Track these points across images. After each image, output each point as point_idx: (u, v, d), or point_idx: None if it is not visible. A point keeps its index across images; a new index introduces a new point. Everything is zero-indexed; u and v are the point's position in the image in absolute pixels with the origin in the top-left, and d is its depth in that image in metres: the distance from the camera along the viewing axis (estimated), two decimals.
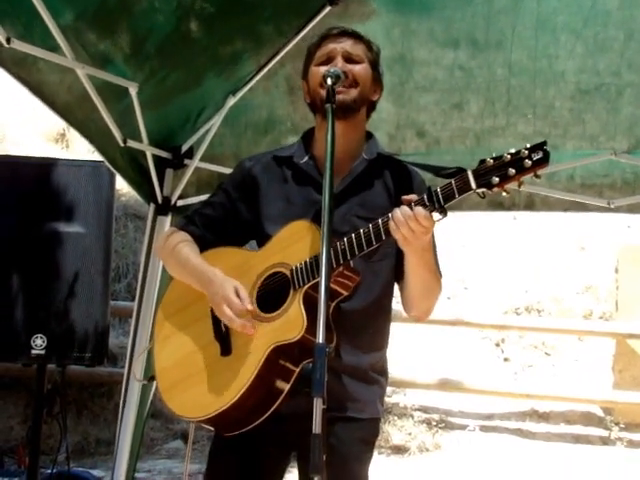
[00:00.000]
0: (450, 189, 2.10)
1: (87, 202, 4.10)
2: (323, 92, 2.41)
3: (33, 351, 3.89)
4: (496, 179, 2.03)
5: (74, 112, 3.77)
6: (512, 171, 2.01)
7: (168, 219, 4.33)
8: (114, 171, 4.10)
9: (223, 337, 2.42)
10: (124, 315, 7.28)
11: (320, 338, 1.94)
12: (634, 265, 7.63)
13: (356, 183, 2.51)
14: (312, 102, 2.54)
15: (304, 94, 2.60)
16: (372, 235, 2.22)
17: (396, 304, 2.64)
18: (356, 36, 2.56)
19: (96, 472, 5.41)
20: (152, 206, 4.36)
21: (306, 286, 2.29)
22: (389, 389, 7.23)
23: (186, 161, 4.33)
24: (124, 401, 4.30)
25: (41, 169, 4.16)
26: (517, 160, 2.01)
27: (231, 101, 4.09)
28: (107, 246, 4.13)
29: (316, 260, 2.25)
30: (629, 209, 4.20)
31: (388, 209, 2.26)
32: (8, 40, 3.04)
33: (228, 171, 3.86)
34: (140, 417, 4.32)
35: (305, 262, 2.30)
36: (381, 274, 2.49)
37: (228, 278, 2.41)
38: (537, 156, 1.99)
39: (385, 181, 2.54)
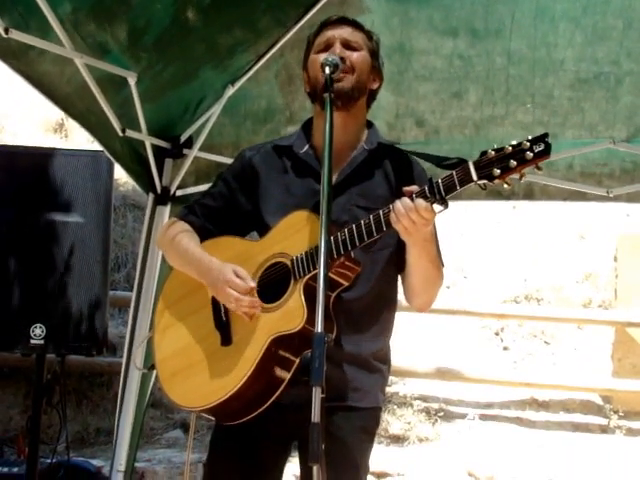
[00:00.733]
0: (451, 180, 2.10)
1: (86, 192, 4.09)
2: (321, 78, 2.41)
3: (32, 341, 3.89)
4: (497, 171, 2.03)
5: (73, 103, 3.77)
6: (513, 163, 2.01)
7: (167, 209, 4.33)
8: (113, 161, 4.10)
9: (223, 327, 2.43)
10: (123, 305, 7.29)
11: (319, 327, 1.94)
12: (633, 254, 7.64)
13: (356, 173, 2.51)
14: (312, 90, 2.53)
15: (304, 84, 2.60)
16: (373, 226, 2.22)
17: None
18: (355, 24, 2.57)
19: (96, 462, 5.40)
20: (151, 196, 4.36)
21: (306, 277, 2.30)
22: (388, 378, 7.25)
23: (185, 151, 4.32)
24: (123, 390, 4.31)
25: (40, 159, 4.15)
26: (518, 152, 2.01)
27: (230, 91, 4.09)
28: (106, 236, 4.13)
29: (316, 251, 2.25)
30: (628, 198, 4.20)
31: (388, 199, 2.27)
32: (6, 30, 3.04)
33: (227, 161, 3.86)
34: (140, 407, 4.33)
35: (305, 252, 2.31)
36: (381, 263, 2.50)
37: (226, 263, 2.42)
38: (538, 148, 2.00)
39: (385, 171, 2.54)
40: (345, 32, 2.52)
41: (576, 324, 8.03)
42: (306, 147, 2.56)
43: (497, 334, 8.24)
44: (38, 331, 3.89)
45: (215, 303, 2.47)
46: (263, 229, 2.52)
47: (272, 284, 2.38)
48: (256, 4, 3.77)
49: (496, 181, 2.04)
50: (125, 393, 4.29)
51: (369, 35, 2.59)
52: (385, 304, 2.57)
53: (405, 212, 2.14)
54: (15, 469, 4.61)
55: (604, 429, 7.19)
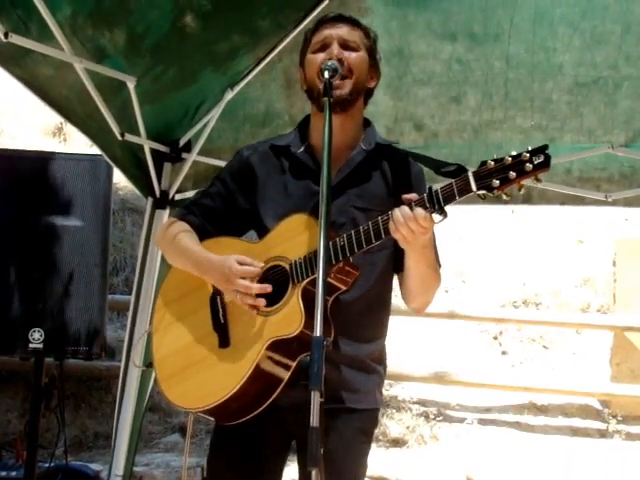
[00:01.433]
0: (450, 190, 2.09)
1: (84, 195, 4.09)
2: (319, 83, 2.41)
3: (30, 345, 3.88)
4: (497, 182, 2.02)
5: (72, 107, 3.77)
6: (513, 174, 2.00)
7: (166, 213, 4.33)
8: (112, 165, 4.10)
9: (221, 328, 2.43)
10: (122, 309, 7.28)
11: (317, 331, 1.94)
12: (632, 258, 7.64)
13: (354, 174, 2.51)
14: (308, 91, 2.53)
15: (301, 82, 2.59)
16: (372, 234, 2.22)
17: (394, 298, 2.65)
18: (353, 22, 2.55)
19: (94, 466, 5.39)
20: (150, 200, 4.36)
21: (305, 281, 2.30)
22: (387, 382, 7.25)
23: (184, 155, 4.32)
24: (122, 392, 4.30)
25: (38, 163, 4.15)
26: (518, 163, 2.00)
27: (229, 95, 4.09)
28: (104, 239, 4.12)
29: (315, 255, 2.25)
30: (626, 202, 4.20)
31: (386, 199, 2.27)
32: (6, 35, 3.04)
33: None
34: (138, 410, 4.32)
35: (304, 257, 2.31)
36: (379, 265, 2.50)
37: (226, 257, 2.41)
38: (538, 160, 1.99)
39: (383, 171, 2.54)
40: (342, 31, 2.50)
41: (575, 329, 8.04)
42: (303, 147, 2.56)
43: (496, 338, 8.25)
44: (37, 335, 3.88)
45: (213, 304, 2.47)
46: (261, 229, 2.53)
47: (271, 287, 2.38)
48: (256, 9, 3.77)
49: (495, 192, 2.04)
50: (124, 395, 4.28)
51: (366, 32, 2.56)
52: (381, 305, 2.58)
53: (404, 221, 2.13)
54: (13, 473, 4.60)
55: (603, 434, 7.19)
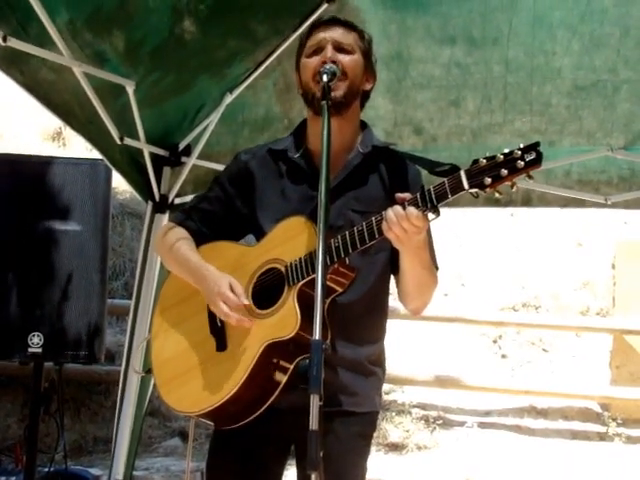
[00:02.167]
0: (443, 189, 2.10)
1: (84, 200, 4.09)
2: (315, 87, 2.41)
3: (30, 349, 3.88)
4: (488, 180, 2.03)
5: (72, 112, 3.78)
6: (504, 172, 2.01)
7: (165, 217, 4.33)
8: (112, 169, 4.10)
9: (218, 333, 2.43)
10: (121, 313, 7.28)
11: (317, 334, 1.94)
12: (631, 261, 7.65)
13: (351, 177, 2.51)
14: (304, 95, 2.53)
15: (297, 86, 2.59)
16: (366, 234, 2.22)
17: (393, 301, 2.65)
18: (347, 25, 2.54)
19: (94, 470, 5.40)
20: (149, 204, 4.36)
21: (300, 283, 2.30)
22: (387, 386, 7.25)
23: (183, 159, 4.33)
24: (122, 397, 4.30)
25: (38, 167, 4.15)
26: (510, 161, 2.01)
27: (228, 99, 4.09)
28: (104, 244, 4.12)
29: (311, 257, 2.26)
30: (625, 205, 4.21)
31: (383, 202, 2.27)
32: (4, 38, 3.04)
33: None
34: (138, 414, 4.32)
35: (300, 259, 2.31)
36: (376, 267, 2.50)
37: (222, 274, 2.42)
38: (530, 157, 1.99)
39: (380, 173, 2.54)
40: (336, 34, 2.48)
41: (574, 332, 8.03)
42: (300, 151, 2.56)
43: (495, 342, 8.25)
44: (36, 339, 3.88)
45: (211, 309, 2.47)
46: (259, 233, 2.52)
47: (267, 290, 2.38)
48: (253, 14, 3.78)
49: (487, 190, 2.04)
50: (124, 400, 4.28)
51: (361, 35, 2.55)
52: (379, 307, 2.58)
53: (397, 220, 2.13)
54: (13, 478, 4.61)
55: (602, 437, 7.19)
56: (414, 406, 7.41)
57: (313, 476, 1.86)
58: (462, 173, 2.07)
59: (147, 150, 4.13)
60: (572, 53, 3.76)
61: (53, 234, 4.01)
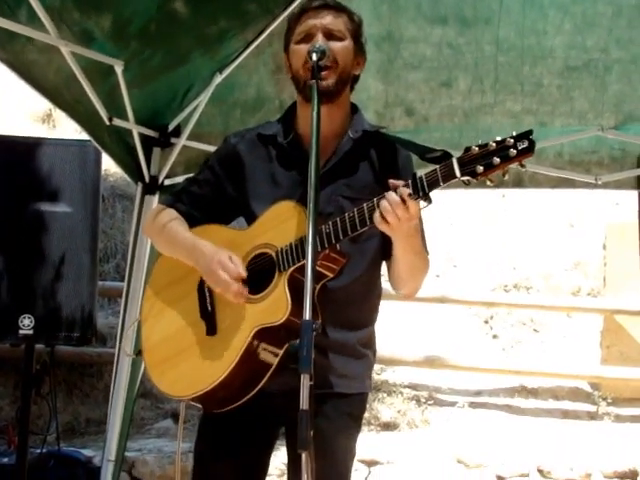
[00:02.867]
0: (435, 177, 2.09)
1: (73, 181, 4.08)
2: (304, 73, 2.40)
3: (21, 331, 3.88)
4: (480, 168, 2.03)
5: (60, 92, 3.75)
6: (497, 160, 2.01)
7: (156, 198, 4.31)
8: (101, 150, 4.08)
9: (208, 316, 2.43)
10: (113, 295, 7.28)
11: (307, 315, 1.94)
12: (622, 242, 7.65)
13: (342, 163, 2.50)
14: (294, 81, 2.51)
15: (286, 67, 2.58)
16: (357, 220, 2.22)
17: (384, 282, 2.65)
18: (337, 8, 2.50)
19: (86, 451, 5.40)
20: (140, 185, 4.34)
21: (291, 269, 2.29)
22: (378, 367, 7.28)
23: (173, 140, 4.30)
24: (115, 379, 4.30)
25: (27, 148, 4.13)
26: (502, 149, 2.00)
27: (218, 79, 4.06)
28: (94, 225, 4.12)
29: (301, 243, 2.25)
30: (616, 185, 4.22)
31: (374, 188, 2.27)
32: None
33: None
34: (130, 396, 4.32)
35: (290, 244, 2.30)
36: (367, 254, 2.50)
37: (220, 248, 2.41)
38: (522, 145, 1.98)
39: (371, 159, 2.53)
40: (326, 20, 2.45)
41: (565, 312, 8.06)
42: (290, 136, 2.55)
43: (486, 322, 8.27)
44: (27, 321, 3.88)
45: (201, 292, 2.47)
46: (250, 217, 2.52)
47: (257, 275, 2.37)
48: None
49: (479, 178, 2.04)
50: (116, 381, 4.28)
51: (351, 16, 2.52)
52: (370, 292, 2.58)
53: (391, 208, 2.13)
54: (5, 459, 4.62)
55: (593, 416, 7.23)
56: (405, 386, 7.43)
57: (303, 456, 1.87)
58: (454, 161, 2.06)
59: (136, 131, 4.11)
60: (563, 33, 3.75)
61: (43, 216, 4.00)
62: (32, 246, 3.98)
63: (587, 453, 6.30)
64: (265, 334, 2.30)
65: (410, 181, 2.13)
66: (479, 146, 2.03)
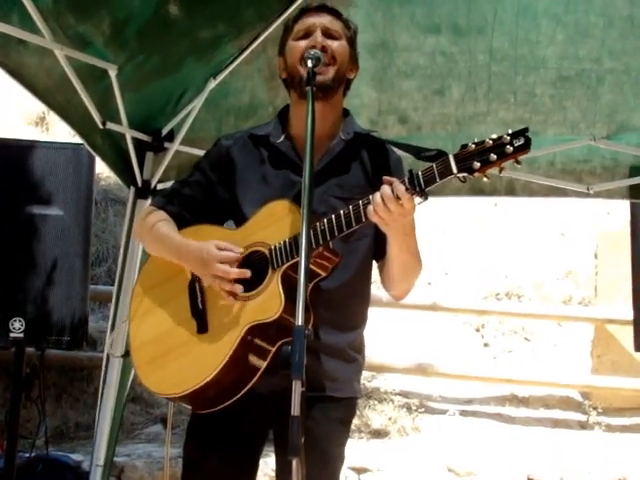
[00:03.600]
0: (431, 173, 2.11)
1: (66, 185, 4.07)
2: (301, 69, 2.43)
3: (11, 334, 3.87)
4: (477, 164, 2.05)
5: (54, 95, 3.74)
6: (493, 156, 2.03)
7: (148, 203, 4.31)
8: (94, 154, 4.08)
9: (199, 314, 2.44)
10: (104, 299, 7.25)
11: (299, 320, 1.95)
12: (613, 251, 7.67)
13: (334, 164, 2.52)
14: (289, 78, 2.54)
15: (280, 70, 2.60)
16: (352, 217, 2.23)
17: (377, 289, 2.65)
18: (335, 13, 2.57)
19: (75, 456, 5.38)
20: (132, 189, 4.33)
21: (285, 266, 2.31)
22: (369, 374, 7.28)
23: (166, 144, 4.29)
24: (104, 382, 4.29)
25: (20, 151, 4.13)
26: (498, 146, 2.03)
27: (212, 84, 4.07)
28: (86, 229, 4.11)
29: (295, 240, 2.26)
30: (608, 195, 4.23)
31: (365, 188, 2.29)
32: None
33: None
34: (119, 400, 4.31)
35: (284, 242, 2.31)
36: (359, 253, 2.51)
37: (206, 241, 2.42)
38: (518, 142, 2.02)
39: (362, 160, 2.56)
40: (325, 20, 2.52)
41: (556, 321, 8.08)
42: (282, 137, 2.57)
43: (478, 330, 8.28)
44: (17, 324, 3.87)
45: (192, 290, 2.47)
46: (240, 219, 2.53)
47: (250, 273, 2.38)
48: None
49: (476, 174, 2.06)
50: (105, 385, 4.26)
51: (347, 24, 2.59)
52: (362, 293, 2.59)
53: (382, 202, 2.14)
54: None
55: (583, 425, 7.25)
56: (396, 394, 7.43)
57: (294, 462, 1.87)
58: (451, 157, 2.09)
59: (129, 135, 4.10)
60: (556, 43, 3.77)
61: (35, 219, 4.00)
62: (24, 249, 3.97)
63: (577, 462, 6.31)
64: (257, 331, 2.30)
65: (407, 177, 2.15)
66: (476, 143, 2.07)
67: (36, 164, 4.08)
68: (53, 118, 8.55)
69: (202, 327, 2.42)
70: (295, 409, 1.86)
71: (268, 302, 2.29)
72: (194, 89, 4.13)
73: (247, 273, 2.34)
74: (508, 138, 2.02)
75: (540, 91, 3.96)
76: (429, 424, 7.16)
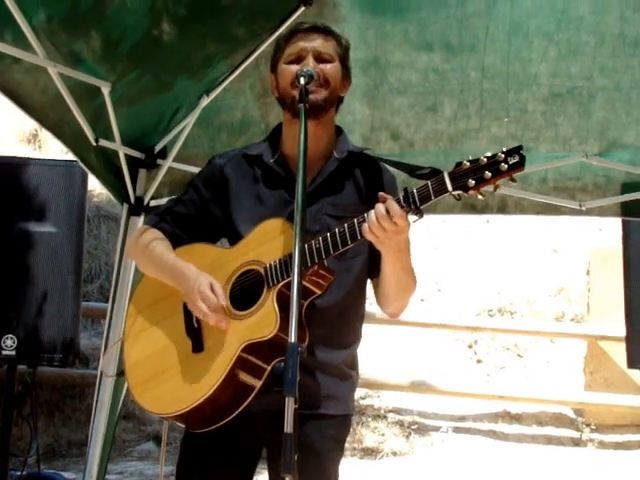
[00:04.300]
0: (426, 190, 2.11)
1: (59, 202, 4.07)
2: (294, 92, 2.43)
3: (3, 352, 3.86)
4: (472, 182, 2.05)
5: (47, 113, 3.74)
6: (488, 174, 2.03)
7: (141, 219, 4.30)
8: (87, 171, 4.08)
9: (195, 333, 2.43)
10: (96, 316, 7.24)
11: (292, 337, 1.94)
12: (605, 268, 7.70)
13: (327, 183, 2.52)
14: (280, 99, 2.55)
15: (272, 88, 2.61)
16: (347, 235, 2.23)
17: (369, 306, 2.65)
18: (326, 32, 2.56)
19: (67, 474, 5.36)
20: (125, 206, 4.33)
21: (280, 284, 2.30)
22: (362, 391, 7.26)
23: (159, 161, 4.30)
24: (97, 401, 4.27)
25: (13, 168, 4.13)
26: (493, 163, 2.04)
27: (204, 101, 4.08)
28: (79, 246, 4.10)
29: (290, 258, 2.25)
30: (600, 212, 4.23)
31: (359, 207, 2.28)
32: None
33: None
34: (112, 418, 4.28)
35: (279, 260, 2.31)
36: (353, 271, 2.51)
37: (203, 273, 2.42)
38: (513, 160, 2.02)
39: (356, 179, 2.56)
40: (317, 43, 2.51)
41: (549, 337, 8.08)
42: (276, 156, 2.57)
43: (470, 347, 8.28)
44: (9, 342, 3.85)
45: (187, 309, 2.46)
46: (234, 237, 2.53)
47: (245, 291, 2.38)
48: (231, 15, 3.77)
49: (471, 192, 2.07)
50: (98, 403, 4.24)
51: (339, 40, 2.59)
52: (356, 311, 2.59)
53: (377, 220, 2.14)
54: None
55: (576, 442, 7.24)
56: (389, 411, 7.42)
57: (287, 479, 1.85)
58: (446, 175, 2.09)
59: (122, 152, 4.10)
60: (548, 60, 3.78)
61: (28, 236, 3.99)
62: (16, 266, 3.96)
63: (571, 479, 6.29)
64: (253, 350, 2.29)
65: (402, 195, 2.15)
66: (470, 161, 2.07)
67: (29, 181, 4.08)
68: (46, 135, 8.55)
69: (197, 346, 2.42)
70: (288, 426, 1.85)
71: (264, 320, 2.28)
72: (187, 106, 4.14)
73: (223, 322, 2.33)
74: (502, 156, 2.03)
75: (532, 108, 3.97)
76: (422, 441, 7.15)
